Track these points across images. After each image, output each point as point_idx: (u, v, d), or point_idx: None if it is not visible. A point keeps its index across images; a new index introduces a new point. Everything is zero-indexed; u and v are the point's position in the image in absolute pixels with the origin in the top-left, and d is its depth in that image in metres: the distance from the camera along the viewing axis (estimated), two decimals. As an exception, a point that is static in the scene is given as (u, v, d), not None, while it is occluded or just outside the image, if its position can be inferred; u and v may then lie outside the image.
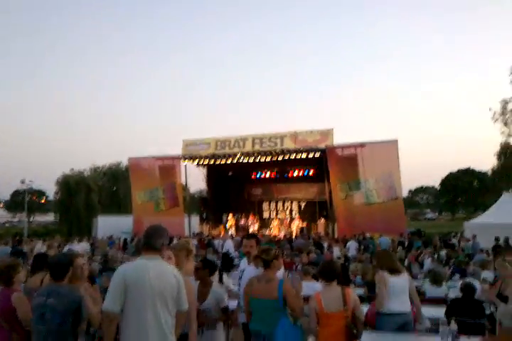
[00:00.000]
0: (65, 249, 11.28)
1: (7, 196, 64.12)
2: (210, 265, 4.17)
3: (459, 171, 61.22)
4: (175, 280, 3.10)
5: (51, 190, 38.90)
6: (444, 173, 64.97)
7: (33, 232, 32.46)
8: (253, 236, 4.85)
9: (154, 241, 3.16)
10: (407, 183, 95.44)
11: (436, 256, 10.50)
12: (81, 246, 11.81)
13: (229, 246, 13.57)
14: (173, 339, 3.06)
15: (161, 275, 3.05)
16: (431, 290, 6.34)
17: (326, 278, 3.76)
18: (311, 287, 6.06)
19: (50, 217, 47.81)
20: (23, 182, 31.56)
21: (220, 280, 5.34)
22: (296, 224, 23.21)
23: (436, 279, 6.47)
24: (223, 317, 4.02)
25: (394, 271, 4.41)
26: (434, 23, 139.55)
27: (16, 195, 58.27)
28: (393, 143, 18.35)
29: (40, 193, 53.18)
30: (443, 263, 9.71)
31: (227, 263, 9.44)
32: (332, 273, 3.77)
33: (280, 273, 4.12)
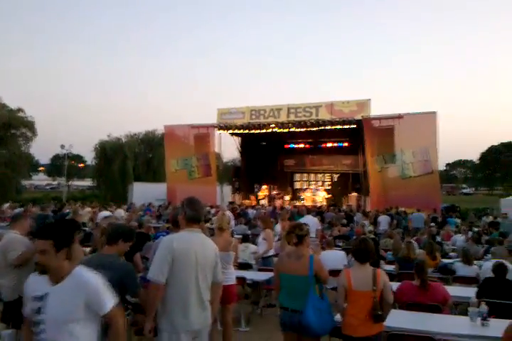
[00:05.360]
0: (101, 214, 11.57)
1: (47, 160, 66.49)
2: None
3: (501, 145, 58.97)
4: (214, 254, 3.23)
5: (89, 156, 39.86)
6: (484, 147, 62.77)
7: (71, 197, 33.60)
8: (44, 233, 2.35)
9: (198, 215, 3.24)
10: (445, 156, 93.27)
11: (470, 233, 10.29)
12: (117, 213, 12.16)
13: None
14: (210, 310, 3.17)
15: (204, 248, 3.17)
16: (461, 269, 6.26)
17: (359, 259, 3.71)
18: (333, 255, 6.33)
19: (87, 182, 49.29)
20: (62, 147, 32.53)
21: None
22: (325, 196, 23.15)
23: (467, 258, 6.38)
24: None
25: None
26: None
27: (56, 159, 60.20)
28: (432, 115, 17.73)
29: (79, 158, 54.69)
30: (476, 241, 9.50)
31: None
32: (366, 254, 3.70)
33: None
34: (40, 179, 66.88)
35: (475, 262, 6.54)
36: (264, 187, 24.13)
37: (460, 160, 79.72)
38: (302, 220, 9.07)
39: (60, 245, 2.32)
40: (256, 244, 7.66)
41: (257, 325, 5.95)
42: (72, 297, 2.29)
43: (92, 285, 2.34)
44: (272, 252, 7.32)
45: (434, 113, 17.74)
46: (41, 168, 62.73)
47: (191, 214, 3.19)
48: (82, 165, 54.61)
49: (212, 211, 15.78)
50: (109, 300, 2.38)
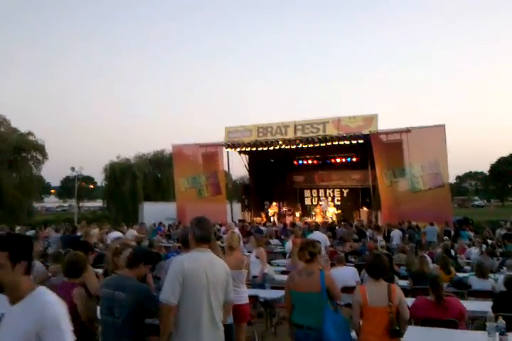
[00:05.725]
0: (112, 235, 11.59)
1: (58, 183, 67.07)
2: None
3: (511, 156, 58.49)
4: (225, 273, 3.21)
5: (99, 177, 40.13)
6: (494, 158, 62.24)
7: (82, 218, 33.75)
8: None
9: (207, 235, 3.24)
10: (455, 169, 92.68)
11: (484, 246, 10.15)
12: (129, 233, 12.17)
13: None
14: (222, 330, 3.15)
15: (214, 267, 3.16)
16: (476, 282, 6.16)
17: (373, 275, 3.69)
18: (345, 272, 6.43)
19: (98, 203, 49.54)
20: (73, 169, 32.84)
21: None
22: (336, 212, 23.03)
23: (481, 271, 6.27)
24: None
25: None
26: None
27: (67, 181, 60.66)
28: (440, 128, 17.72)
29: (89, 179, 55.05)
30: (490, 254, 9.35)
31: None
32: (380, 270, 3.68)
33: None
34: (51, 201, 67.33)
35: (491, 275, 6.44)
36: (274, 204, 24.09)
37: (470, 172, 79.07)
38: (311, 236, 9.04)
39: (16, 257, 1.96)
40: (268, 262, 7.58)
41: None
42: (24, 322, 1.87)
43: (51, 311, 1.89)
44: (266, 270, 7.15)
45: (442, 126, 17.73)
46: (52, 191, 63.21)
47: (200, 233, 3.20)
48: (92, 186, 54.87)
49: (223, 229, 15.76)
50: (66, 336, 1.89)
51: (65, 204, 67.82)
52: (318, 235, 9.65)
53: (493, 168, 60.45)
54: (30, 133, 31.97)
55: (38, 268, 4.47)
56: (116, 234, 11.27)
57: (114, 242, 7.43)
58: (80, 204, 50.31)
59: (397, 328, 3.41)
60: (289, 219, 21.97)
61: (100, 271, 5.81)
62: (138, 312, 3.22)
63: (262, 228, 16.58)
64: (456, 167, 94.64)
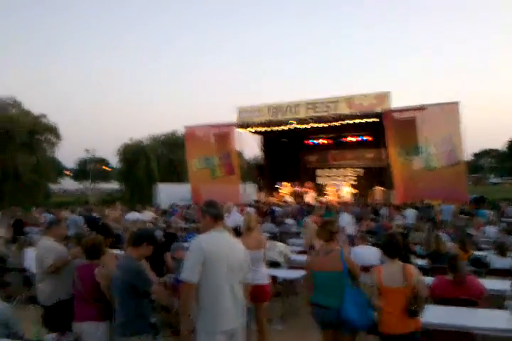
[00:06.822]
0: (130, 216, 11.75)
1: (73, 165, 67.65)
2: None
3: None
4: (243, 253, 3.28)
5: (113, 159, 40.38)
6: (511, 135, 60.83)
7: (100, 200, 34.12)
8: None
9: (221, 212, 3.35)
10: (471, 146, 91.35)
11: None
12: (146, 214, 12.28)
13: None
14: (244, 309, 3.20)
15: (234, 248, 3.23)
16: (496, 261, 6.13)
17: (388, 254, 3.69)
18: (367, 251, 6.48)
19: (114, 185, 50.04)
20: (87, 151, 33.11)
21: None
22: (350, 191, 23.00)
23: (501, 250, 6.25)
24: None
25: None
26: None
27: (82, 163, 61.18)
28: (454, 105, 17.36)
29: (103, 161, 55.41)
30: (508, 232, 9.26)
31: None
32: (395, 249, 3.68)
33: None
34: (68, 183, 67.93)
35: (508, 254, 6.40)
36: (286, 183, 24.10)
37: (486, 150, 77.81)
38: (340, 218, 9.17)
39: None
40: (284, 242, 7.58)
41: (291, 323, 5.95)
42: None
43: None
44: None
45: (456, 103, 17.38)
46: (68, 172, 63.71)
47: (215, 211, 3.28)
48: (108, 168, 55.20)
49: (235, 209, 15.82)
50: None
51: (81, 186, 68.47)
52: (345, 218, 9.82)
53: (510, 144, 59.19)
54: (43, 116, 32.12)
55: (60, 250, 4.52)
56: (133, 215, 11.43)
57: (132, 225, 7.54)
58: (96, 186, 50.68)
59: (414, 308, 3.42)
60: (308, 198, 22.04)
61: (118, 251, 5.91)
62: (130, 291, 3.29)
63: (277, 208, 16.59)
64: (472, 145, 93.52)
